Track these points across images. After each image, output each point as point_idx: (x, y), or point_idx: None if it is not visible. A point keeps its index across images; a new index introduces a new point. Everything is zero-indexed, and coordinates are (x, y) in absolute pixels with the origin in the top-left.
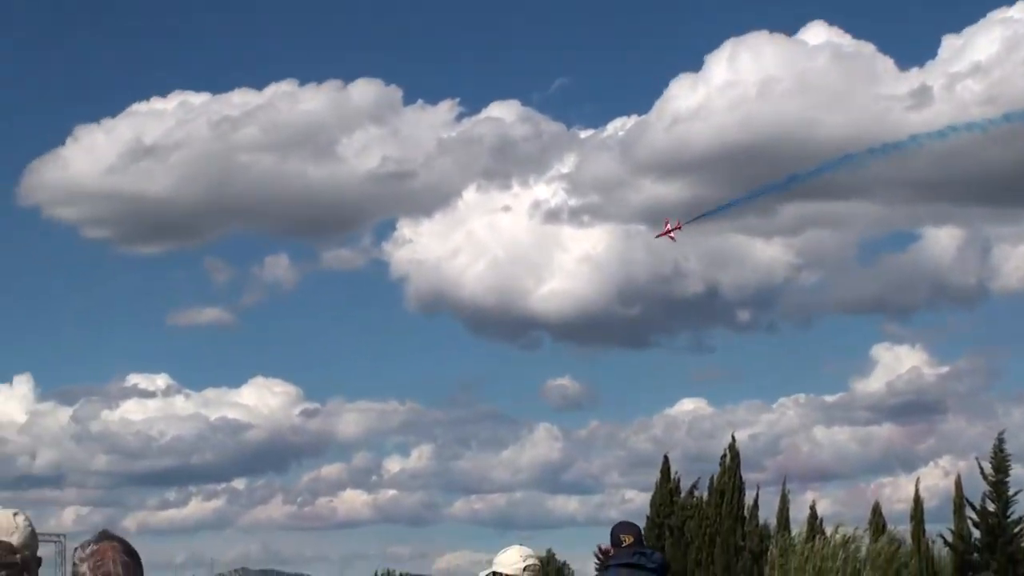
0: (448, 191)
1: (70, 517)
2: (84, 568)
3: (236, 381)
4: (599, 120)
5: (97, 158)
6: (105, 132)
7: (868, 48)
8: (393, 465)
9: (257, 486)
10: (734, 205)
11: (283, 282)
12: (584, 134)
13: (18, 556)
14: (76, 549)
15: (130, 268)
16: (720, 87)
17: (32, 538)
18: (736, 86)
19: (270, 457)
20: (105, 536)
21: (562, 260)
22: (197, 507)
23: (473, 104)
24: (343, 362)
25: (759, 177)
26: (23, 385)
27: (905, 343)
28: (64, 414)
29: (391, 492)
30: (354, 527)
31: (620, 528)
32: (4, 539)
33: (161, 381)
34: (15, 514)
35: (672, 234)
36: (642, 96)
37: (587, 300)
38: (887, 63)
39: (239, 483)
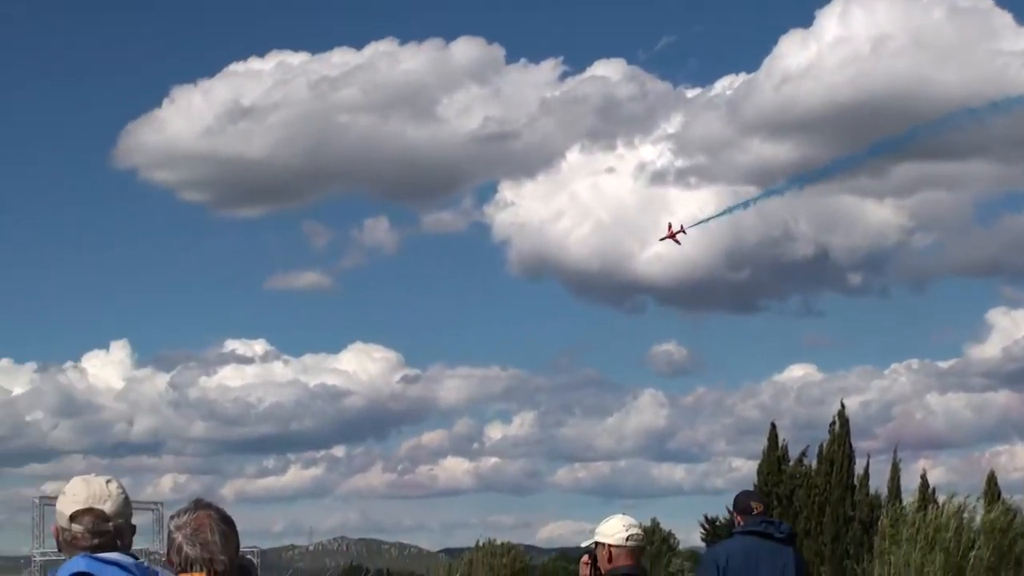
0: (551, 152)
1: (167, 485)
2: (180, 537)
3: (335, 347)
4: (706, 78)
5: (194, 120)
6: (202, 93)
7: (986, 2)
8: (495, 432)
9: (356, 454)
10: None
11: (383, 245)
12: (691, 93)
13: (111, 524)
14: (172, 517)
15: (227, 232)
16: (831, 44)
17: (125, 506)
18: (848, 42)
19: (370, 424)
20: (201, 505)
21: (668, 223)
22: (296, 475)
23: (577, 63)
24: (444, 327)
25: (870, 137)
26: (120, 351)
27: (1023, 307)
28: (161, 380)
29: (493, 460)
30: (455, 496)
31: (748, 496)
32: (97, 507)
33: (259, 347)
34: (108, 482)
35: (677, 237)
36: (751, 53)
37: (693, 263)
38: (1005, 18)
39: (338, 451)
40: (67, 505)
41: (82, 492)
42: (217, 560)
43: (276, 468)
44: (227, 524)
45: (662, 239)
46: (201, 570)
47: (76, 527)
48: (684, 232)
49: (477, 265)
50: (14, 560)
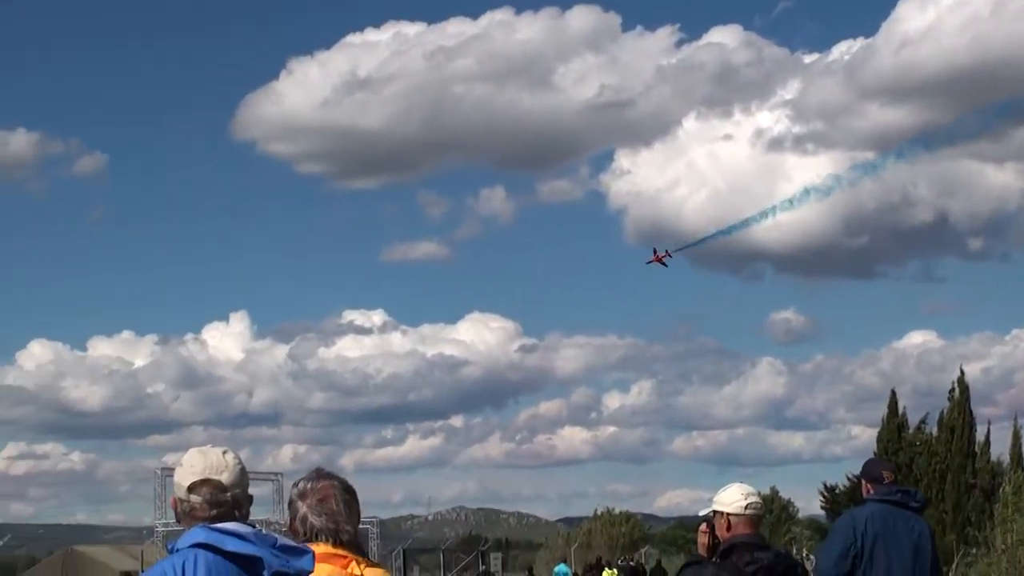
0: (667, 120)
1: (287, 456)
2: (304, 507)
3: (452, 317)
4: (824, 44)
5: (311, 92)
6: (319, 65)
7: None
8: (613, 401)
9: (475, 423)
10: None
11: (499, 215)
12: (808, 59)
13: (229, 495)
14: (294, 486)
15: (344, 203)
16: (950, 6)
17: (242, 476)
18: (967, 5)
19: (487, 394)
20: (323, 475)
21: (785, 190)
22: (414, 445)
23: (693, 29)
24: (561, 296)
25: (990, 100)
26: (239, 323)
27: None
28: (280, 352)
29: (611, 429)
30: (573, 465)
31: (879, 464)
32: (215, 478)
33: (377, 317)
34: (224, 452)
35: (663, 260)
36: (868, 18)
37: (811, 230)
38: None
39: (456, 420)
40: (185, 476)
41: (199, 463)
42: (343, 530)
43: (395, 438)
44: (350, 494)
45: (648, 262)
46: (327, 540)
47: (194, 498)
48: (670, 256)
49: (593, 234)
50: (137, 530)
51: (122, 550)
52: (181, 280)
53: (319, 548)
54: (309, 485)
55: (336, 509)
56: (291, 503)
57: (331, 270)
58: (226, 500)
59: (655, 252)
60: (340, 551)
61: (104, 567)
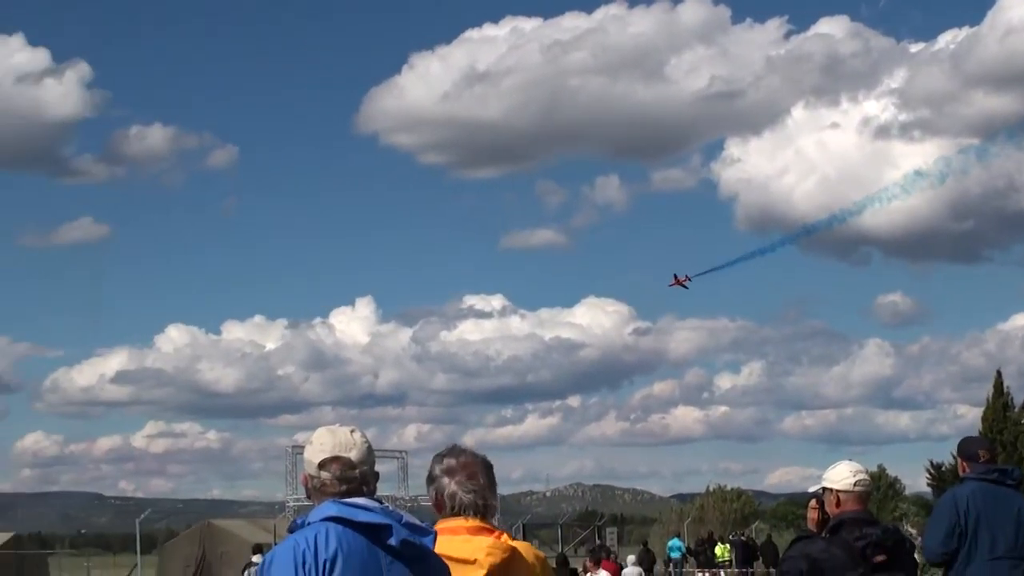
0: (776, 109)
1: (411, 434)
2: (451, 482)
3: (569, 301)
4: (929, 33)
5: (432, 85)
6: (440, 59)
7: None
8: (724, 382)
9: (591, 403)
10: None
11: (614, 203)
12: (914, 48)
13: (357, 471)
14: (436, 462)
15: (464, 192)
16: None
17: (369, 454)
18: None
19: (603, 375)
20: (467, 451)
21: (892, 176)
22: (533, 424)
23: (802, 21)
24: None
25: None
26: (365, 307)
27: None
28: (404, 335)
29: (722, 409)
30: (686, 443)
31: (975, 442)
32: (344, 455)
33: (496, 302)
34: (352, 431)
35: (684, 283)
36: (974, 6)
37: (918, 216)
38: None
39: (573, 400)
40: (315, 454)
41: (328, 442)
42: (489, 505)
43: (514, 418)
44: (490, 470)
45: (670, 285)
46: (475, 515)
47: (324, 474)
48: (690, 279)
49: (705, 220)
50: (270, 505)
51: (255, 523)
52: (309, 267)
53: (469, 522)
54: (456, 461)
55: (483, 484)
56: (435, 479)
57: (452, 257)
58: (354, 476)
59: (676, 277)
60: (488, 524)
61: (239, 540)
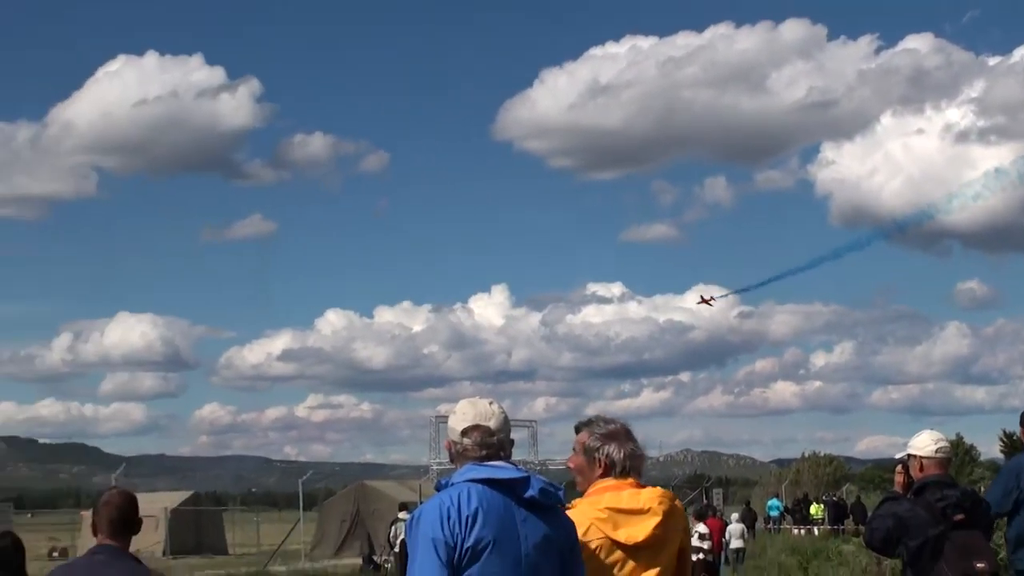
0: (867, 117)
1: (540, 406)
2: (610, 447)
3: (680, 288)
4: (1006, 47)
5: (560, 97)
6: (567, 74)
7: None
8: (819, 360)
9: (699, 379)
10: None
11: (721, 201)
12: (992, 61)
13: (495, 438)
14: (583, 428)
15: (588, 192)
16: None
17: (506, 423)
18: None
19: (710, 354)
20: (613, 420)
21: (971, 176)
22: (648, 397)
23: (891, 37)
24: (774, 269)
25: None
26: (500, 294)
27: None
28: (535, 318)
29: (817, 384)
30: (784, 414)
31: None
32: (483, 424)
33: (616, 289)
34: (491, 403)
35: (709, 302)
36: None
37: (995, 210)
38: None
39: (684, 376)
40: (458, 423)
41: (470, 412)
42: (640, 468)
43: (631, 391)
44: (633, 435)
45: (698, 303)
46: (627, 476)
47: (466, 441)
48: (715, 299)
49: (802, 217)
50: (415, 469)
51: (403, 484)
52: (451, 258)
53: (628, 480)
54: (611, 428)
55: (633, 447)
56: (591, 445)
57: (577, 249)
58: (493, 443)
59: (702, 298)
60: (635, 480)
61: (388, 498)
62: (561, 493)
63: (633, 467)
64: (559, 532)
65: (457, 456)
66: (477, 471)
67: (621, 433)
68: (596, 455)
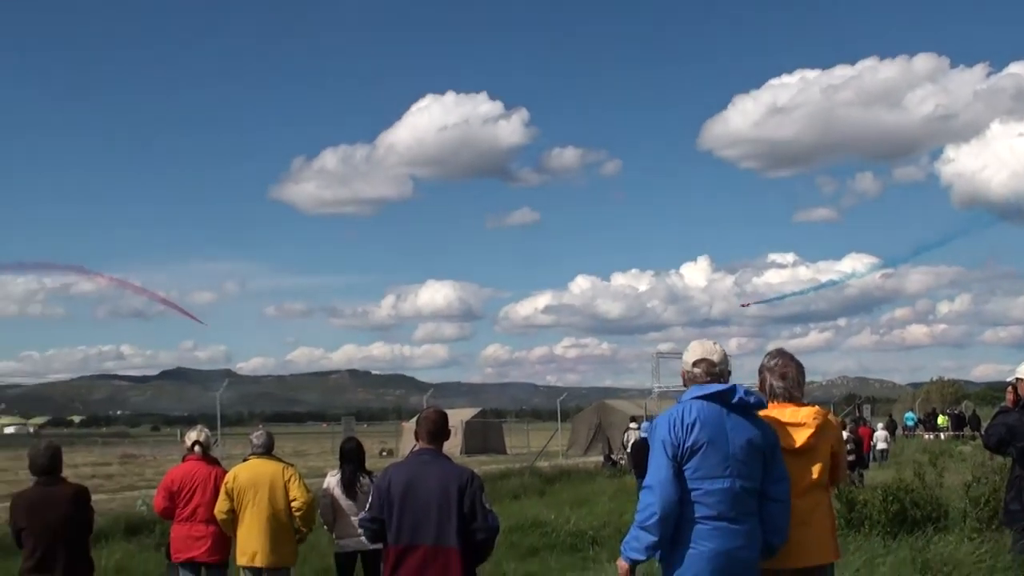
0: (980, 126)
1: (733, 345)
2: (770, 376)
3: (839, 255)
4: None
5: (747, 116)
6: (752, 99)
7: None
8: (943, 307)
9: (853, 323)
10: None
11: (869, 190)
12: None
13: (717, 368)
14: (764, 360)
15: (769, 186)
16: None
17: (725, 358)
18: None
19: (861, 304)
20: (784, 354)
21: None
22: (814, 337)
23: (998, 64)
24: (909, 241)
25: None
26: (703, 262)
27: None
28: (729, 280)
29: (942, 326)
30: (916, 349)
31: None
32: (709, 358)
33: (790, 257)
34: (714, 343)
35: (746, 306)
36: None
37: None
38: None
39: (841, 321)
40: (690, 357)
41: (699, 350)
42: (795, 395)
43: (801, 333)
44: (800, 368)
45: (743, 305)
46: (786, 401)
47: (696, 370)
48: (748, 305)
49: (930, 200)
50: (641, 391)
51: (633, 403)
52: (668, 235)
53: (788, 404)
54: (773, 362)
55: (792, 376)
56: (760, 369)
57: (761, 227)
58: (715, 372)
59: (741, 303)
60: (796, 402)
61: (622, 413)
62: (759, 399)
63: (792, 395)
64: (761, 436)
65: (689, 381)
66: (698, 390)
67: (783, 367)
68: (762, 380)
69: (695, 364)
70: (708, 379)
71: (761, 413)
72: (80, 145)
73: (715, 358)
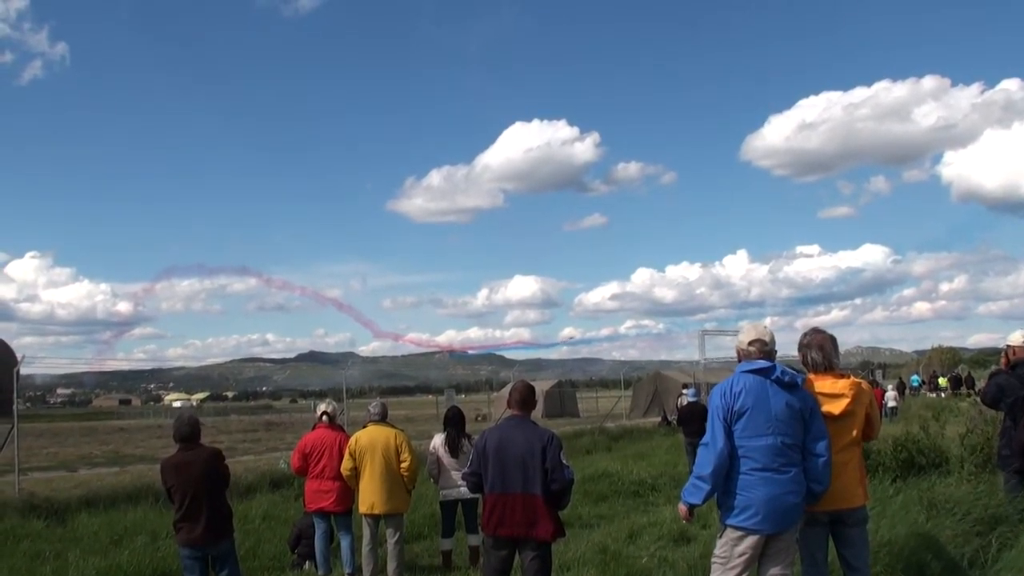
0: (975, 134)
1: (767, 323)
2: (808, 351)
3: (856, 245)
4: None
5: (780, 132)
6: (784, 118)
7: None
8: (944, 286)
9: (867, 302)
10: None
11: (882, 191)
12: None
13: (768, 348)
14: (802, 337)
15: (798, 190)
16: None
17: (773, 338)
18: None
19: (875, 286)
20: (819, 331)
21: None
22: (835, 314)
23: (991, 82)
24: (912, 233)
25: None
26: (742, 254)
27: None
28: (764, 268)
29: (942, 302)
30: (920, 322)
31: None
32: (761, 338)
33: (815, 248)
34: (766, 326)
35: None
36: None
37: None
38: None
39: (857, 300)
40: (745, 337)
41: (753, 331)
42: (832, 363)
43: (824, 311)
44: (834, 341)
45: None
46: (824, 372)
47: (751, 348)
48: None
49: (932, 197)
50: (691, 363)
51: (684, 372)
52: (713, 233)
53: (828, 375)
54: (809, 338)
55: (828, 352)
56: (800, 347)
57: (791, 225)
58: (767, 351)
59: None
60: (835, 372)
61: (674, 381)
62: (793, 376)
63: (831, 363)
64: (799, 401)
65: (744, 357)
66: (747, 365)
67: (819, 342)
68: (803, 355)
69: (751, 343)
70: (760, 356)
71: (808, 383)
72: (243, 166)
73: (767, 339)
